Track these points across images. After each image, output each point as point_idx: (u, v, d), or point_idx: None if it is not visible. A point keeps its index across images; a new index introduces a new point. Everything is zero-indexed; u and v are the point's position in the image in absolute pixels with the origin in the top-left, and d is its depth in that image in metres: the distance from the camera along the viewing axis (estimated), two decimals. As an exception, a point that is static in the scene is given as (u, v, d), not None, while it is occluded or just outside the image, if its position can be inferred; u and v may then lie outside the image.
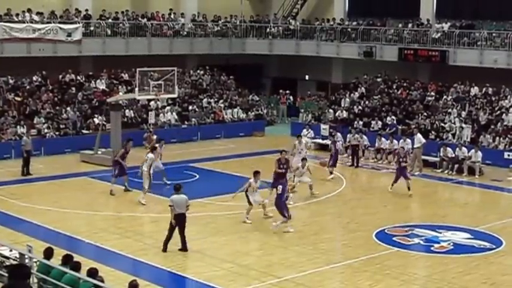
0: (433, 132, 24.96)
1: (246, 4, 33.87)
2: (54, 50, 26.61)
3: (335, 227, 17.10)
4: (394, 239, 15.32)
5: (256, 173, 16.47)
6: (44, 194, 18.81)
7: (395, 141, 23.89)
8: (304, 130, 26.93)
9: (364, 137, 24.60)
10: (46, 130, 24.27)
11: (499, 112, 25.19)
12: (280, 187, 15.77)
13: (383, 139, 24.21)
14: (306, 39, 31.72)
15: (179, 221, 14.09)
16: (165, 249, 14.10)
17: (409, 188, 19.33)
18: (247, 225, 16.23)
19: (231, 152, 24.72)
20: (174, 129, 26.98)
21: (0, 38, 25.32)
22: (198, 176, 20.81)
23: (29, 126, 23.87)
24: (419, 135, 22.62)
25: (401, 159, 19.64)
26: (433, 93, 27.58)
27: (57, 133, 24.57)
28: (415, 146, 22.46)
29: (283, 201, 15.79)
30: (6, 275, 8.66)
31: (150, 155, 18.24)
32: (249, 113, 29.94)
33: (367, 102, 28.41)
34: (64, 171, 21.35)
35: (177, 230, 14.12)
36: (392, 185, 19.57)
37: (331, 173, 21.14)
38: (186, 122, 27.83)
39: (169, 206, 14.20)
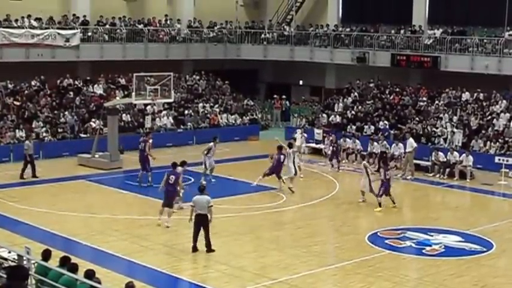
0: (424, 137, 25.24)
1: (241, 10, 34.16)
2: (52, 55, 26.83)
3: (328, 230, 17.33)
4: (386, 241, 15.51)
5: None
6: (42, 197, 18.99)
7: (386, 145, 24.22)
8: (298, 130, 27.28)
9: (357, 141, 24.93)
10: (44, 134, 24.49)
11: (490, 117, 25.52)
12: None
13: (375, 143, 24.52)
14: (300, 45, 32.02)
15: (200, 221, 14.29)
16: (195, 249, 14.33)
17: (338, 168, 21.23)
18: (241, 227, 16.48)
19: (226, 156, 24.96)
20: (170, 133, 27.24)
21: (-1, 43, 25.63)
22: (192, 180, 21.02)
23: (27, 130, 24.10)
24: (411, 140, 22.91)
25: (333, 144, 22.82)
26: (424, 98, 27.92)
27: (55, 136, 24.80)
28: (407, 151, 22.76)
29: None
30: (4, 276, 8.78)
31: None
32: (244, 117, 30.24)
33: (360, 107, 28.73)
34: (62, 174, 21.54)
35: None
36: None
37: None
38: (181, 126, 28.08)
39: (191, 206, 14.47)
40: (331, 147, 23.82)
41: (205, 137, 27.45)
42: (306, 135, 26.67)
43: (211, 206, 14.44)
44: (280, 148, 20.25)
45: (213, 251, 14.38)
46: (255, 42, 32.75)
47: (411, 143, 22.72)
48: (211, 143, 20.84)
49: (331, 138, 24.29)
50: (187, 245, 14.78)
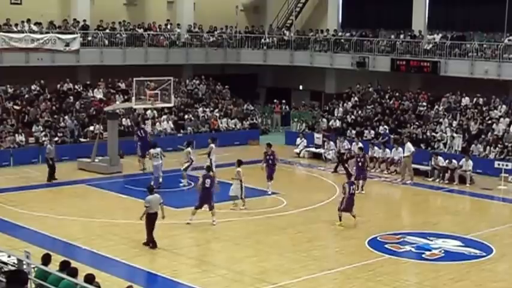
0: (423, 142, 25.26)
1: (241, 15, 34.23)
2: (52, 59, 26.89)
3: (328, 234, 17.31)
4: (386, 246, 15.54)
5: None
6: (42, 201, 19.01)
7: (387, 150, 24.26)
8: (298, 139, 27.35)
9: (360, 144, 24.87)
10: (44, 138, 24.50)
11: (489, 122, 25.56)
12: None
13: (376, 148, 24.55)
14: (300, 49, 32.09)
15: (155, 219, 14.81)
16: (154, 246, 14.72)
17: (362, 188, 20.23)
18: (241, 232, 16.49)
19: (225, 161, 24.94)
20: (169, 137, 27.25)
21: (-1, 48, 25.70)
22: (193, 184, 21.04)
23: (26, 134, 24.14)
24: (408, 144, 22.95)
25: (359, 159, 20.57)
26: (424, 103, 27.97)
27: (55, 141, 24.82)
28: (404, 155, 22.76)
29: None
30: (4, 280, 8.79)
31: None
32: (244, 122, 30.27)
33: (360, 111, 28.77)
34: (61, 178, 21.48)
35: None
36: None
37: None
38: (181, 131, 28.10)
39: (145, 206, 14.80)
40: (356, 162, 20.97)
41: (206, 142, 27.56)
42: (305, 140, 26.74)
43: (162, 202, 15.02)
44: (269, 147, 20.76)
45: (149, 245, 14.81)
46: (255, 47, 32.82)
47: (409, 147, 22.75)
48: (212, 145, 21.46)
49: (358, 152, 21.36)
50: (187, 249, 14.81)
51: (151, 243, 14.83)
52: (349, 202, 17.02)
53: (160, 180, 20.58)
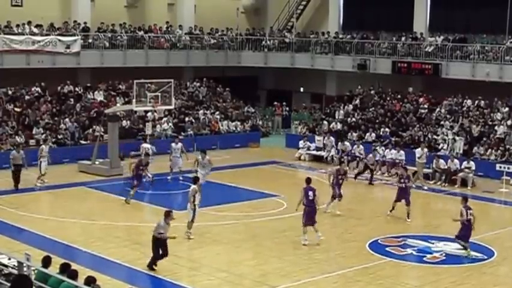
0: (424, 144, 25.21)
1: (242, 17, 34.25)
2: (53, 61, 26.91)
3: (329, 237, 17.24)
4: (387, 249, 15.51)
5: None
6: (42, 204, 19.08)
7: (393, 151, 24.19)
8: (301, 142, 27.33)
9: (361, 146, 24.85)
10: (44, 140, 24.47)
11: (491, 124, 25.52)
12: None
13: (383, 148, 24.47)
14: (301, 52, 32.10)
15: (154, 241, 13.69)
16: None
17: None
18: (241, 235, 16.45)
19: (226, 163, 24.96)
20: (170, 140, 27.21)
21: (0, 50, 25.64)
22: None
23: (27, 136, 24.12)
24: (425, 149, 22.91)
25: (403, 180, 18.06)
26: (426, 106, 27.95)
27: (54, 141, 24.79)
28: (420, 161, 22.61)
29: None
30: (4, 282, 8.78)
31: None
32: (245, 124, 30.25)
33: (361, 114, 28.75)
34: (62, 181, 21.50)
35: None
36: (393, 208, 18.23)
37: None
38: (182, 133, 28.10)
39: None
40: (399, 184, 18.37)
41: (206, 144, 27.60)
42: (308, 143, 26.75)
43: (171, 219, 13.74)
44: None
45: (154, 269, 13.68)
46: (256, 49, 32.83)
47: (419, 151, 22.73)
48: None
49: (401, 172, 18.55)
50: (187, 252, 14.75)
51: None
52: (468, 229, 15.28)
53: (150, 176, 20.76)
